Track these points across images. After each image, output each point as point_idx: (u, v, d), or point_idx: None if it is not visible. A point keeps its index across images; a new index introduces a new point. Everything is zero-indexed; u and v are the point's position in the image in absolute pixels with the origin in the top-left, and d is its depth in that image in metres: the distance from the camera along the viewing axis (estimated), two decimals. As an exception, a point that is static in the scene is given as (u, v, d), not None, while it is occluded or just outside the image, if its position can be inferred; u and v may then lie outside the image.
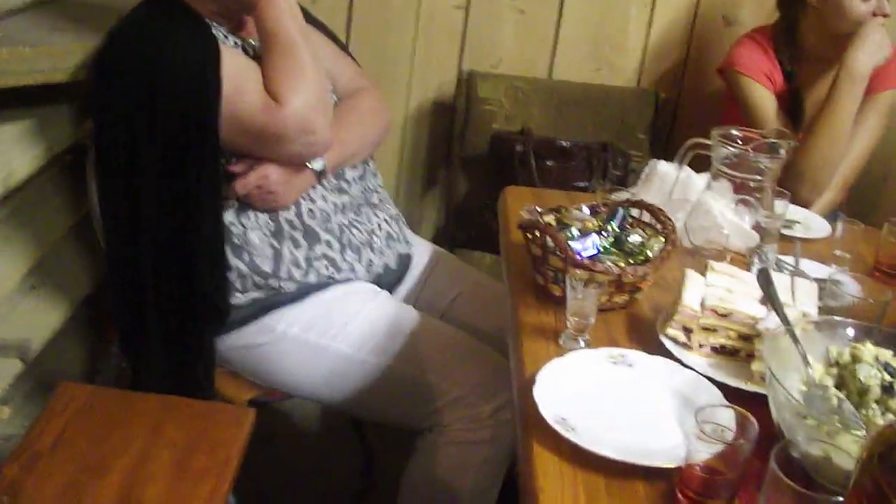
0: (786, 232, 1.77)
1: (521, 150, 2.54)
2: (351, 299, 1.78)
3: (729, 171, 1.55)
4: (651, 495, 1.07)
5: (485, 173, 2.69)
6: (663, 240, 1.53)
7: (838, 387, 1.18)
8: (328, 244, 1.76)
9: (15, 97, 1.72)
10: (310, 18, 1.87)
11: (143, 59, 1.60)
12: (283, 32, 1.65)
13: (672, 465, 1.08)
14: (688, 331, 1.35)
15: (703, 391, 1.24)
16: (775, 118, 2.27)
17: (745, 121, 2.24)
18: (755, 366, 1.29)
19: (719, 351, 1.35)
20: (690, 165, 1.70)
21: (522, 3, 2.64)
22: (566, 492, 1.05)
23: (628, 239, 1.50)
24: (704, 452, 1.03)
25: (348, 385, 1.75)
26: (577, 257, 1.41)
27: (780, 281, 1.37)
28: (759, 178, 1.54)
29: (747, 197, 1.55)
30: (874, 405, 1.14)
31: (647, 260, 1.49)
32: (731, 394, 1.24)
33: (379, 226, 1.87)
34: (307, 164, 1.71)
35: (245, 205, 1.71)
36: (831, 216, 2.05)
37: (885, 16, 2.18)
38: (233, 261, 1.70)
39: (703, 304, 1.35)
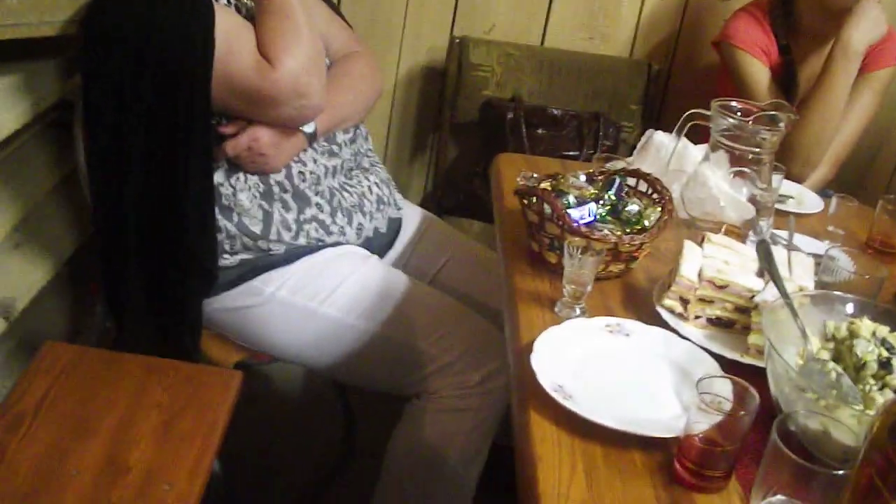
0: (779, 206, 1.77)
1: (511, 118, 2.52)
2: (341, 263, 1.76)
3: (728, 143, 1.53)
4: (648, 464, 1.06)
5: (474, 140, 2.67)
6: (660, 209, 1.52)
7: (835, 361, 1.18)
8: (318, 207, 1.74)
9: (0, 51, 1.68)
10: (304, -20, 1.83)
11: (135, 15, 1.56)
12: None
13: (671, 436, 1.07)
14: (685, 301, 1.35)
15: (699, 362, 1.23)
16: (768, 92, 2.26)
17: (738, 94, 2.22)
18: (752, 338, 1.29)
19: (715, 322, 1.35)
20: (686, 136, 1.68)
21: (518, -31, 2.61)
22: (564, 460, 1.04)
23: (626, 208, 1.49)
24: (704, 423, 1.02)
25: (336, 349, 1.74)
26: (575, 224, 1.39)
27: (778, 255, 1.36)
28: (757, 150, 1.52)
29: (744, 169, 1.54)
30: (871, 380, 1.14)
31: (643, 229, 1.47)
32: (726, 366, 1.24)
33: (370, 189, 1.85)
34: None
35: (235, 166, 1.68)
36: (822, 192, 2.06)
37: (881, -8, 2.17)
38: (221, 222, 1.68)
39: (700, 275, 1.34)
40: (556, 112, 2.54)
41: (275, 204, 1.70)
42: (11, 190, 1.76)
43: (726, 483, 1.05)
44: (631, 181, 1.59)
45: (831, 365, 1.14)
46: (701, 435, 1.03)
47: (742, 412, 1.03)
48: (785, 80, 2.30)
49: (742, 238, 1.56)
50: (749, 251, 1.44)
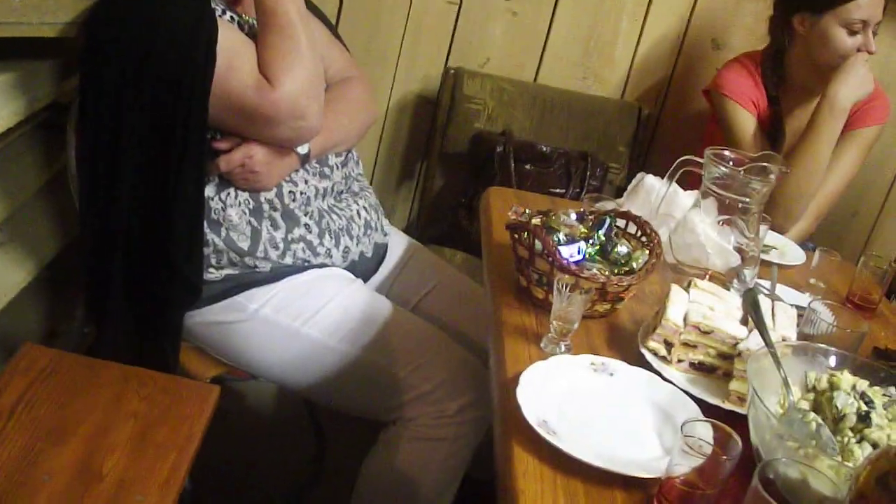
0: (762, 257, 1.79)
1: (501, 151, 2.54)
2: (325, 284, 1.76)
3: (718, 191, 1.56)
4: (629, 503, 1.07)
5: (462, 171, 2.68)
6: (648, 252, 1.54)
7: (814, 412, 1.20)
8: (307, 227, 1.74)
9: (-1, 50, 1.68)
10: (307, 3, 1.84)
11: (140, 23, 1.56)
12: (283, 12, 1.62)
13: (653, 477, 1.08)
14: (669, 345, 1.36)
15: (681, 405, 1.24)
16: (753, 141, 2.29)
17: (724, 142, 2.26)
18: (733, 385, 1.30)
19: (697, 367, 1.36)
20: (676, 182, 1.71)
21: (516, 5, 2.64)
22: (546, 495, 1.05)
23: (615, 249, 1.50)
24: (686, 466, 1.03)
25: (316, 371, 1.73)
26: (565, 262, 1.41)
27: (762, 304, 1.38)
28: (747, 200, 1.55)
29: (733, 217, 1.56)
30: (849, 432, 1.16)
31: (631, 271, 1.49)
32: (706, 411, 1.25)
33: (358, 213, 1.85)
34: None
35: (226, 181, 1.68)
36: (802, 245, 2.08)
37: (870, 53, 2.21)
38: (209, 235, 1.67)
39: (685, 320, 1.36)
40: (545, 149, 2.56)
41: (264, 221, 1.70)
42: (-2, 187, 1.75)
43: (704, 526, 1.06)
44: (620, 222, 1.60)
45: (812, 415, 1.16)
46: (682, 477, 1.04)
47: (724, 457, 1.04)
48: (772, 131, 2.34)
49: (726, 285, 1.57)
50: (733, 298, 1.46)
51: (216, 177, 1.67)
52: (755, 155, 1.61)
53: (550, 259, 1.41)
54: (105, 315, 1.72)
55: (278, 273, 1.73)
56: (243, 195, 1.69)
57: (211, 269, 1.71)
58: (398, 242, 2.03)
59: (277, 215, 1.71)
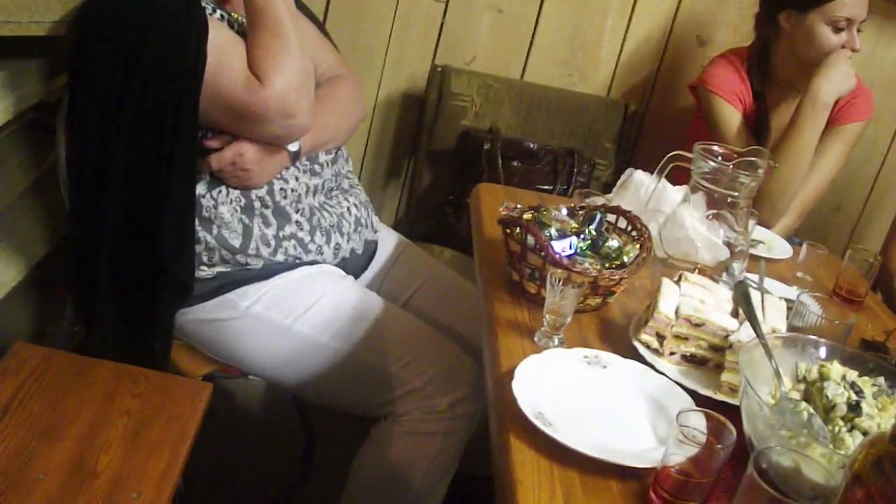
0: (750, 251, 1.81)
1: (488, 148, 2.55)
2: (316, 281, 1.76)
3: (707, 186, 1.57)
4: (625, 493, 1.08)
5: (449, 168, 2.69)
6: (638, 247, 1.55)
7: (805, 402, 1.21)
8: (298, 225, 1.75)
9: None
10: (296, 1, 1.84)
11: (130, 21, 1.56)
12: (272, 10, 1.62)
13: (648, 467, 1.09)
14: (661, 337, 1.37)
15: (674, 397, 1.26)
16: (738, 136, 2.31)
17: (710, 138, 2.27)
18: (724, 377, 1.32)
19: (689, 360, 1.38)
20: (665, 177, 1.72)
21: (502, 3, 2.65)
22: (543, 485, 1.06)
23: (606, 243, 1.51)
24: (681, 455, 1.04)
25: (307, 368, 1.74)
26: (557, 257, 1.42)
27: (752, 297, 1.39)
28: (735, 194, 1.56)
29: (721, 212, 1.58)
30: (840, 422, 1.17)
31: (622, 265, 1.50)
32: (698, 402, 1.26)
33: (349, 210, 1.86)
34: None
35: (217, 179, 1.68)
36: (788, 240, 2.10)
37: (854, 50, 2.23)
38: (201, 233, 1.68)
39: (677, 313, 1.37)
40: (532, 146, 2.57)
41: (255, 219, 1.70)
42: (-15, 187, 1.75)
43: (699, 514, 1.07)
44: (611, 217, 1.62)
45: (803, 405, 1.17)
46: (677, 467, 1.05)
47: (719, 446, 1.05)
48: (757, 127, 2.36)
49: (714, 279, 1.59)
50: (723, 292, 1.47)
51: (207, 175, 1.67)
52: (743, 150, 1.63)
53: (543, 254, 1.42)
54: (94, 314, 1.71)
55: (270, 270, 1.74)
56: (234, 193, 1.69)
57: (203, 267, 1.71)
58: (388, 239, 2.04)
59: (269, 212, 1.72)
